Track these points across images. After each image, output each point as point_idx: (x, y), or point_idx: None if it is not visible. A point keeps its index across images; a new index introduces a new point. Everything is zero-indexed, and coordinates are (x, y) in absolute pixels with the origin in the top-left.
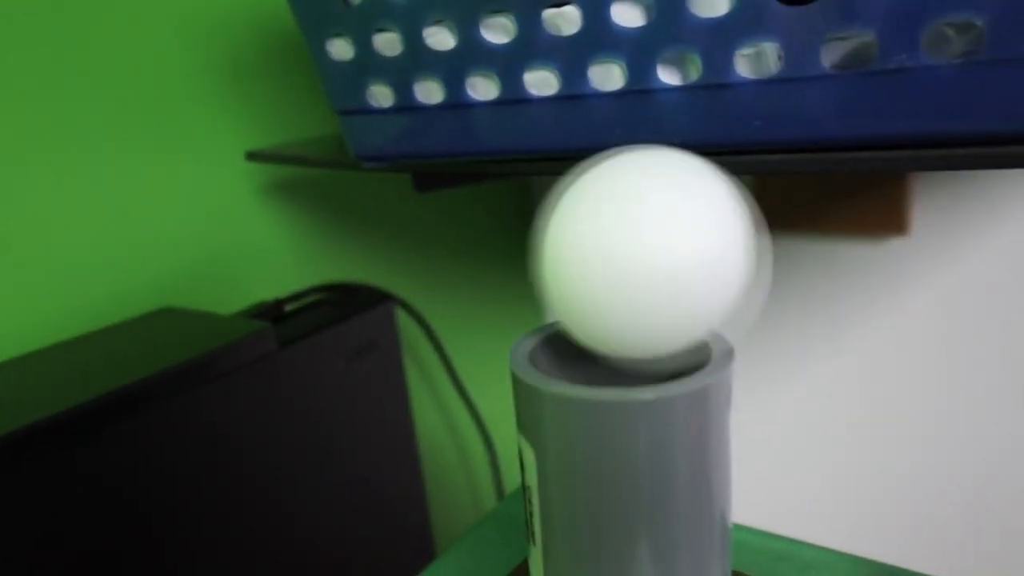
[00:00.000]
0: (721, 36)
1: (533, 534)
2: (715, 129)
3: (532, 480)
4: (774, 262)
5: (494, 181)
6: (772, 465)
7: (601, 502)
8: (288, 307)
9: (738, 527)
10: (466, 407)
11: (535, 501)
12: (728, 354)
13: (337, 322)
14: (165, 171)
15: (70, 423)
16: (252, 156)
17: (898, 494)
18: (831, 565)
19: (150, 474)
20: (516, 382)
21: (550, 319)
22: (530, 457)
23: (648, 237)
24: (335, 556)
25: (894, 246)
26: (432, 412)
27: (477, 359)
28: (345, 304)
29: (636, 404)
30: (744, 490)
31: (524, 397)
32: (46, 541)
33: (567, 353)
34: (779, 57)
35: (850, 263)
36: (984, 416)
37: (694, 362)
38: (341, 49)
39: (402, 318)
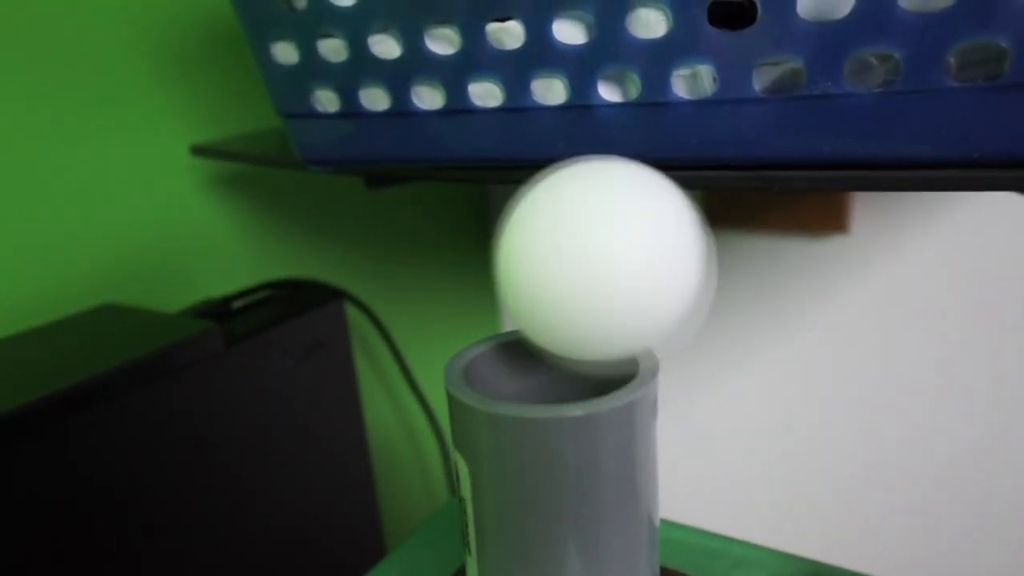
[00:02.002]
0: (658, 56)
1: (468, 543)
2: (654, 145)
3: (467, 492)
4: (721, 258)
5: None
6: (712, 461)
7: (533, 514)
8: (236, 304)
9: (674, 525)
10: (418, 402)
11: (469, 512)
12: (653, 369)
13: (286, 319)
14: (108, 163)
15: (11, 422)
16: (197, 151)
17: (835, 490)
18: (761, 561)
19: (95, 473)
20: (450, 399)
21: (506, 322)
22: (464, 470)
23: (597, 244)
24: (287, 551)
25: (835, 244)
26: (385, 407)
27: (429, 354)
28: (294, 301)
29: (565, 421)
30: (682, 487)
31: (457, 414)
32: None
33: (506, 365)
34: (714, 79)
35: (794, 260)
36: (918, 411)
37: (622, 375)
38: (285, 53)
39: (354, 315)
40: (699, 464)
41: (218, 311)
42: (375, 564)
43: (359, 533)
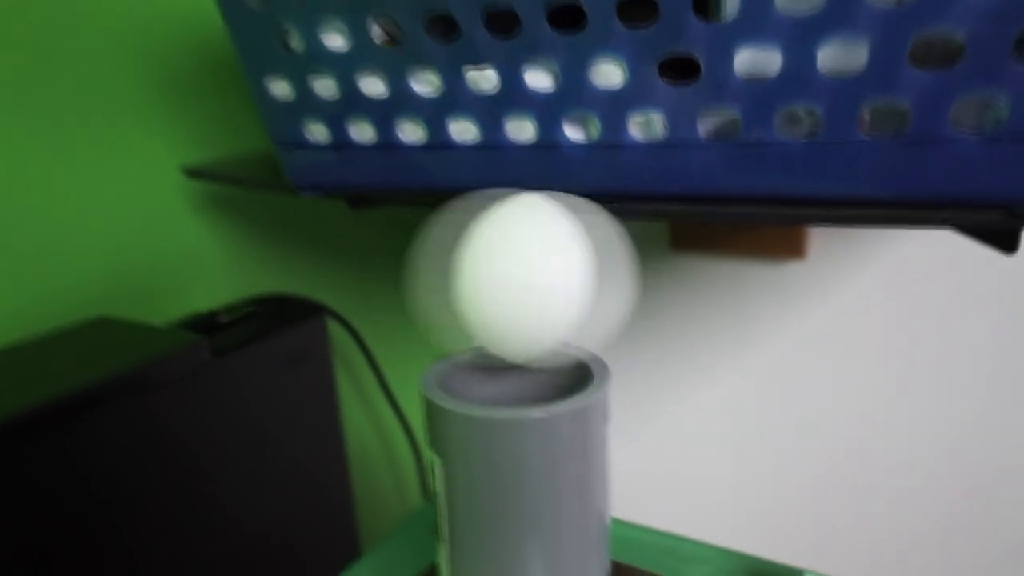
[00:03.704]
0: (616, 104)
1: (441, 532)
2: (612, 180)
3: (440, 486)
4: (685, 280)
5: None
6: (671, 470)
7: (497, 503)
8: (223, 318)
9: (632, 525)
10: (394, 413)
11: (443, 504)
12: (605, 376)
13: (270, 333)
14: (100, 181)
15: (8, 429)
16: (191, 173)
17: (787, 499)
18: (709, 558)
19: (90, 478)
20: (425, 402)
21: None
22: (438, 467)
23: (512, 269)
24: (267, 552)
25: (793, 269)
26: (363, 417)
27: (405, 367)
28: (278, 316)
29: (527, 421)
30: (642, 491)
31: (432, 415)
32: None
33: (478, 374)
34: (664, 125)
35: (753, 284)
36: (870, 427)
37: (577, 383)
38: (281, 89)
39: (335, 329)
40: (660, 472)
41: (206, 324)
42: (351, 564)
43: (336, 535)
